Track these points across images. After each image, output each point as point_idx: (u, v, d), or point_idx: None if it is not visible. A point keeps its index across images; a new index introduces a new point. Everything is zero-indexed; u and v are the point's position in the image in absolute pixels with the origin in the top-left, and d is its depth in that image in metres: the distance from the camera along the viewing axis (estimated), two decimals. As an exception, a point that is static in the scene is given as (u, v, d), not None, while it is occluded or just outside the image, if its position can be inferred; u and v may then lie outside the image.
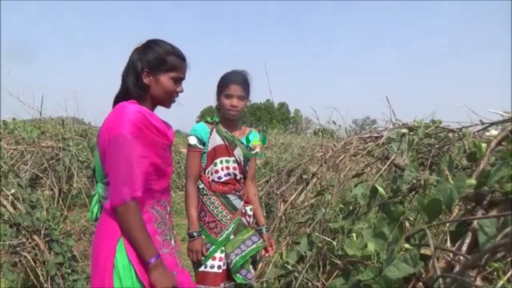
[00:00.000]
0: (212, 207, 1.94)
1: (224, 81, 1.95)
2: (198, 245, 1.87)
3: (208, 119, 2.01)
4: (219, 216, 1.93)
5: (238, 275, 1.89)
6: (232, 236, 1.93)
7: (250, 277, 1.91)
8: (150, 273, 1.25)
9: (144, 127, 1.29)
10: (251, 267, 1.96)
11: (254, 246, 1.93)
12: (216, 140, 1.94)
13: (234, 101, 1.90)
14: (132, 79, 1.37)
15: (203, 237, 1.92)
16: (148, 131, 1.31)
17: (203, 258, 1.89)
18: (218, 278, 1.89)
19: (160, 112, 1.47)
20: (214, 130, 1.96)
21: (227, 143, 1.95)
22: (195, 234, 1.89)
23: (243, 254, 1.89)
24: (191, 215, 1.92)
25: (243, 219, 1.99)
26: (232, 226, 1.93)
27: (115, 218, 1.27)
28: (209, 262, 1.91)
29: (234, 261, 1.87)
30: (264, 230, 2.05)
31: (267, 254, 2.03)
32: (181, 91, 1.46)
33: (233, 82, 1.92)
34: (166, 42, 1.43)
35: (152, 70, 1.38)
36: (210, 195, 1.95)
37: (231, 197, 1.96)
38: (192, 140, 1.94)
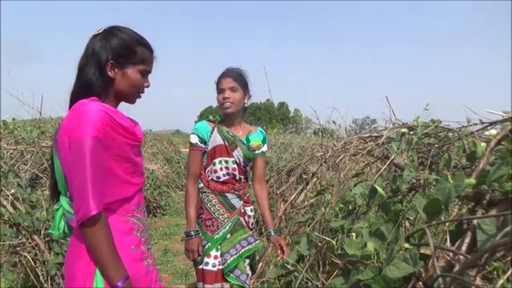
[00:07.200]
0: (210, 205, 1.94)
1: (217, 79, 1.97)
2: (194, 245, 1.88)
3: (211, 117, 2.01)
4: (216, 214, 1.93)
5: (231, 275, 1.88)
6: (228, 235, 1.92)
7: (243, 278, 1.89)
8: None
9: (110, 128, 1.13)
10: (247, 268, 1.94)
11: (250, 246, 1.92)
12: (216, 139, 1.94)
13: (226, 93, 1.89)
14: (93, 71, 1.19)
15: (201, 235, 1.93)
16: (114, 132, 1.15)
17: (199, 256, 1.89)
18: (213, 277, 1.88)
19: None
20: (216, 129, 1.95)
21: (227, 143, 1.93)
22: (192, 233, 1.90)
23: (238, 254, 1.89)
24: (189, 214, 1.93)
25: (241, 219, 1.97)
26: (229, 224, 1.92)
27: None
28: (205, 260, 1.90)
29: (228, 262, 1.86)
30: (272, 232, 1.99)
31: (279, 257, 1.93)
32: (148, 86, 1.31)
33: (222, 76, 1.94)
34: (130, 29, 1.26)
35: (118, 62, 1.20)
36: (208, 193, 1.95)
37: (230, 196, 1.95)
38: (193, 139, 1.95)
